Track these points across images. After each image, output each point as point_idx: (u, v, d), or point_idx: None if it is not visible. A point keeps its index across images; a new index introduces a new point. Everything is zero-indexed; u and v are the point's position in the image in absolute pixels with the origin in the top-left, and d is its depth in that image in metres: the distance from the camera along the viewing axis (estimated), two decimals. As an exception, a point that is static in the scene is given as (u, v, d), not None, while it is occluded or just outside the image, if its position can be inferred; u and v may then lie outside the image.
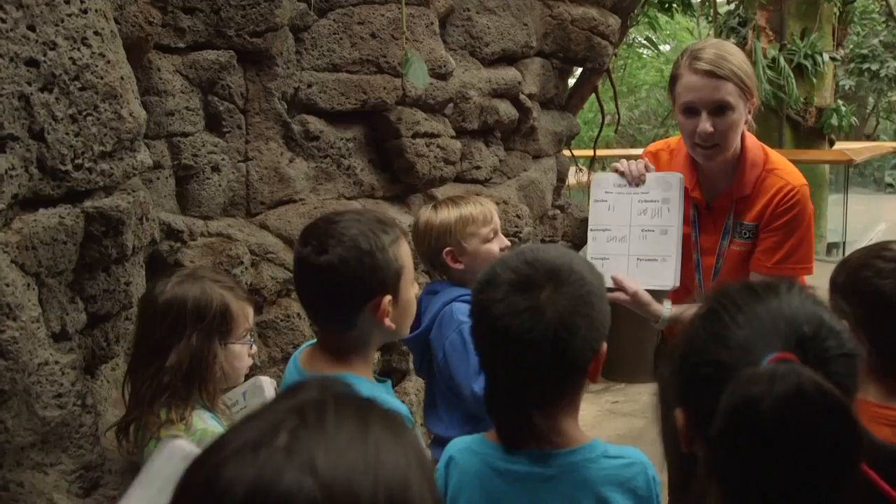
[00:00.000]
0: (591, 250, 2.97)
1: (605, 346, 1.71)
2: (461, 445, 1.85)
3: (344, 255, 1.95)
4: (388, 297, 2.00)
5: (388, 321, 2.02)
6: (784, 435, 1.13)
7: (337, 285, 1.98)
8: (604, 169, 12.20)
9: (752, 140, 2.90)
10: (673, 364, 1.35)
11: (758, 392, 1.14)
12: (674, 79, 2.82)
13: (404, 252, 2.06)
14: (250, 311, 2.41)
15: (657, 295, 2.81)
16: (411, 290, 2.11)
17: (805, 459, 1.14)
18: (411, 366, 3.88)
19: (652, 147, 3.19)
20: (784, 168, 2.88)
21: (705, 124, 2.71)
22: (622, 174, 2.97)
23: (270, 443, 0.85)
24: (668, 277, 2.83)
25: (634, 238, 2.91)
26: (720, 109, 2.72)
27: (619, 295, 2.82)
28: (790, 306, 1.28)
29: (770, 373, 1.16)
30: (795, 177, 2.87)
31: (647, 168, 2.96)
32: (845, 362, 1.24)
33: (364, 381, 2.01)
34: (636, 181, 2.93)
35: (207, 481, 0.85)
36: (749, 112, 2.79)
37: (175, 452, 2.01)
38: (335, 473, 0.85)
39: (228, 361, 2.32)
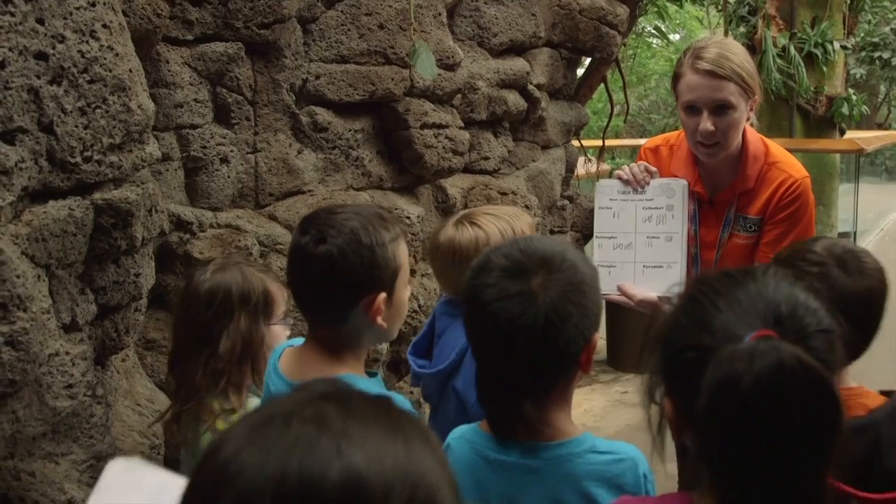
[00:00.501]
0: (598, 258, 2.99)
1: (597, 336, 1.71)
2: (458, 434, 1.86)
3: (343, 246, 1.91)
4: (382, 295, 1.95)
5: (380, 320, 1.97)
6: (767, 409, 1.16)
7: (333, 277, 1.93)
8: (613, 159, 12.18)
9: (752, 134, 2.93)
10: (656, 353, 1.37)
11: (739, 368, 1.17)
12: (676, 77, 2.86)
13: (403, 251, 2.02)
14: (286, 292, 2.47)
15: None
16: (405, 291, 2.06)
17: (788, 432, 1.16)
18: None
19: (650, 143, 3.21)
20: (785, 161, 2.91)
21: (706, 123, 2.74)
22: (626, 182, 2.99)
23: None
24: (674, 284, 2.85)
25: (640, 245, 2.94)
26: (721, 109, 2.75)
27: (626, 300, 2.85)
28: (767, 288, 1.31)
29: (751, 349, 1.19)
30: (797, 169, 2.90)
31: (648, 171, 2.98)
32: (823, 338, 1.27)
33: (362, 380, 1.99)
34: (641, 184, 2.96)
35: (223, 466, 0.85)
36: (751, 109, 2.81)
37: (114, 464, 2.03)
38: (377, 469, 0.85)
39: (271, 342, 2.39)
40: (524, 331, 1.62)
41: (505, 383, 1.70)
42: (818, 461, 1.19)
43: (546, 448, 1.71)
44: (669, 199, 2.92)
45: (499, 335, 1.65)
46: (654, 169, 3.00)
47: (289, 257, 2.05)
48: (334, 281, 1.93)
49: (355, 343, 2.02)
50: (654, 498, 1.55)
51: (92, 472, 2.30)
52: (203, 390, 2.30)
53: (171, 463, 2.90)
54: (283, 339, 2.42)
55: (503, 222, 2.43)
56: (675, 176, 3.01)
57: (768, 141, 2.99)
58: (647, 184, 2.97)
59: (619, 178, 3.03)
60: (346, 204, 2.10)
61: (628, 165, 3.04)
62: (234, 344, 2.32)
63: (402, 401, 1.97)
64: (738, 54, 2.79)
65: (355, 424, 0.88)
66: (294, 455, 0.84)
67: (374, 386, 2.01)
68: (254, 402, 2.33)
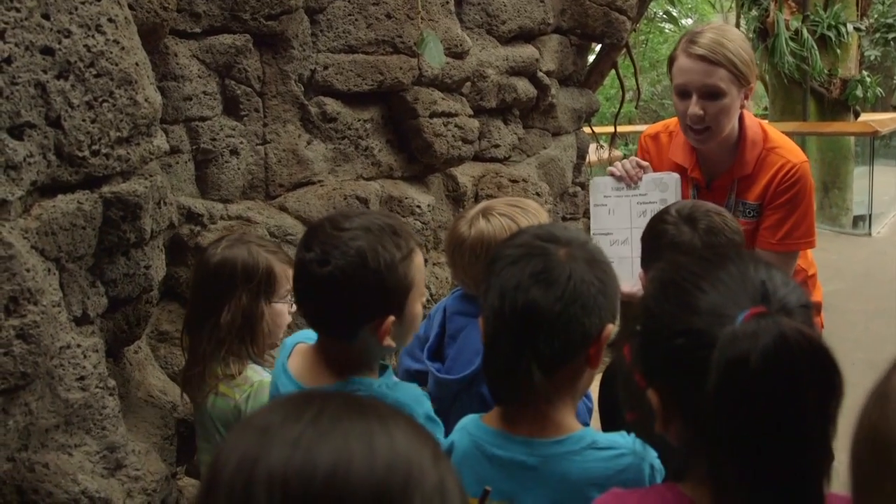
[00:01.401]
0: None
1: (610, 328, 1.68)
2: (460, 426, 1.84)
3: (348, 271, 1.79)
4: (390, 319, 1.85)
5: (388, 340, 1.88)
6: (777, 384, 1.16)
7: (337, 301, 1.83)
8: (626, 145, 12.13)
9: (751, 119, 2.93)
10: (635, 347, 1.36)
11: (745, 347, 1.17)
12: (671, 60, 2.88)
13: (416, 265, 1.90)
14: (291, 273, 2.52)
15: None
16: (418, 304, 1.95)
17: (799, 405, 1.17)
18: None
19: (650, 130, 3.23)
20: (784, 146, 2.92)
21: (695, 108, 2.76)
22: (619, 178, 3.01)
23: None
24: None
25: (636, 240, 2.94)
26: (711, 94, 2.76)
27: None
28: (748, 268, 1.31)
29: (752, 327, 1.19)
30: (796, 154, 2.91)
31: (640, 166, 3.00)
32: (804, 313, 1.28)
33: (374, 382, 1.95)
34: (633, 180, 2.97)
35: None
36: (745, 97, 2.82)
37: None
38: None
39: (272, 319, 2.54)
40: (544, 287, 1.59)
41: (516, 345, 1.63)
42: (827, 429, 1.19)
43: (544, 445, 1.68)
44: (663, 193, 2.94)
45: (518, 290, 1.61)
46: (645, 163, 3.02)
47: (294, 271, 1.96)
48: (338, 305, 1.84)
49: (366, 357, 1.95)
50: (642, 490, 1.53)
51: (105, 464, 2.32)
52: (207, 356, 2.47)
53: (184, 453, 2.92)
54: (285, 316, 2.57)
55: (531, 217, 2.35)
56: (674, 161, 3.02)
57: (766, 126, 3.00)
58: (640, 179, 2.99)
59: (612, 175, 3.05)
60: (355, 213, 1.92)
61: (620, 162, 3.06)
62: (234, 317, 2.46)
63: (419, 396, 1.96)
64: (735, 41, 2.79)
65: (373, 419, 0.91)
66: (328, 446, 0.86)
67: (387, 387, 1.94)
68: (253, 370, 2.50)
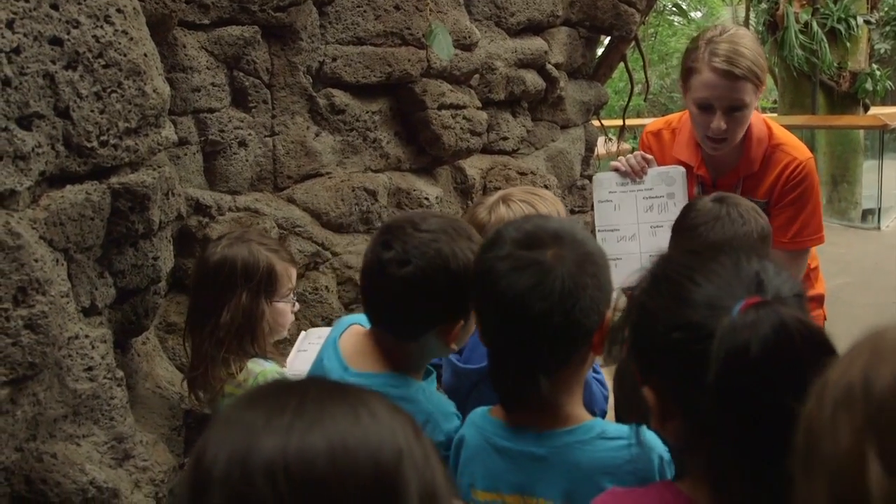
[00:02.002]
0: None
1: (609, 316, 1.66)
2: (469, 420, 1.83)
3: (428, 272, 1.76)
4: (461, 323, 1.83)
5: (454, 344, 1.87)
6: (778, 372, 1.16)
7: (413, 302, 1.79)
8: (635, 138, 12.12)
9: (756, 116, 2.92)
10: (632, 343, 1.35)
11: (745, 337, 1.17)
12: (689, 71, 2.81)
13: None
14: (293, 271, 2.60)
15: None
16: None
17: (800, 393, 1.16)
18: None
19: (652, 126, 3.19)
20: (790, 143, 2.91)
21: (720, 122, 2.74)
22: (624, 173, 2.97)
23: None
24: None
25: (644, 235, 2.91)
26: (735, 108, 2.74)
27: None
28: (741, 259, 1.30)
29: (752, 316, 1.18)
30: (801, 151, 2.90)
31: (646, 160, 2.96)
32: (798, 302, 1.27)
33: (414, 383, 1.91)
34: (639, 174, 2.94)
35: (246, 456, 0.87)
36: (757, 98, 2.81)
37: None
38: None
39: (273, 317, 2.53)
40: (541, 301, 1.57)
41: (520, 359, 1.64)
42: None
43: (554, 436, 1.67)
44: (669, 186, 2.90)
45: (514, 307, 1.59)
46: (650, 157, 2.98)
47: (367, 268, 1.90)
48: (414, 307, 1.80)
49: (422, 358, 1.93)
50: (641, 489, 1.52)
51: (113, 454, 2.32)
52: (208, 358, 2.47)
53: (192, 444, 2.93)
54: (287, 315, 2.56)
55: (548, 205, 2.34)
56: (679, 159, 3.00)
57: (771, 122, 2.99)
58: (645, 173, 2.95)
59: (617, 170, 3.00)
60: (428, 215, 1.90)
61: (624, 157, 3.02)
62: (233, 318, 2.45)
63: (450, 414, 1.92)
64: (751, 47, 2.76)
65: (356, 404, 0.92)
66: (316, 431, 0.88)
67: (422, 392, 1.90)
68: (254, 363, 2.49)
